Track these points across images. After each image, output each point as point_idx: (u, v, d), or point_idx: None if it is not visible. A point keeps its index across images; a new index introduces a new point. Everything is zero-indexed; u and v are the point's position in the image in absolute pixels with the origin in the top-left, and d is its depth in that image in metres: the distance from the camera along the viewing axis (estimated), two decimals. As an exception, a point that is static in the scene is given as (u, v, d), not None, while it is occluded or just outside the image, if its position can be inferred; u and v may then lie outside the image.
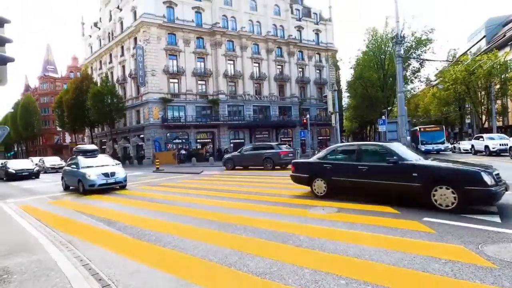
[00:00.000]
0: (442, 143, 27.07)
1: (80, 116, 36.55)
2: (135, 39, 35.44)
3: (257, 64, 40.79)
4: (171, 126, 34.18)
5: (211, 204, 7.75)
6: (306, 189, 8.43)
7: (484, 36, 51.04)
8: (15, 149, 78.71)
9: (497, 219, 4.93)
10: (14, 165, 20.99)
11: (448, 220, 4.93)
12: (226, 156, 20.65)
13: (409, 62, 33.22)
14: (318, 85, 46.39)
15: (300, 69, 45.23)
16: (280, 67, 42.96)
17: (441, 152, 26.34)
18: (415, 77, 36.13)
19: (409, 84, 36.16)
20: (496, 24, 58.52)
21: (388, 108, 33.22)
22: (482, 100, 35.70)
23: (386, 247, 3.87)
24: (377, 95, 35.43)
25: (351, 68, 40.35)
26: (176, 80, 35.42)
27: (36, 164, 24.83)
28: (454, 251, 3.64)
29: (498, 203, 5.65)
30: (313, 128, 40.36)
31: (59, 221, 6.92)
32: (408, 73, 34.45)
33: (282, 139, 42.44)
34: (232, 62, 38.83)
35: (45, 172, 25.61)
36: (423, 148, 26.17)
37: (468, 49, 40.02)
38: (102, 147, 43.58)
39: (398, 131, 19.26)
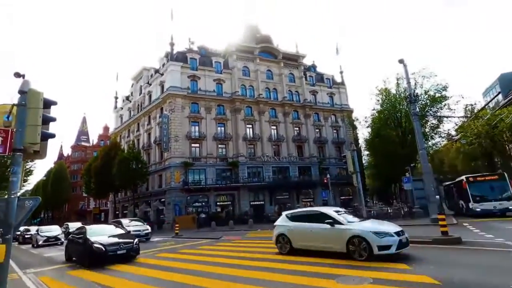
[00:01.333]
0: (509, 198, 17.99)
1: (105, 181, 38.03)
2: (161, 109, 38.48)
3: (274, 127, 42.30)
4: (192, 190, 34.50)
5: (230, 274, 7.32)
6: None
7: (500, 92, 51.42)
8: (42, 215, 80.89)
9: None
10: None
11: None
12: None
13: (426, 119, 33.29)
14: (336, 145, 46.68)
15: (317, 130, 46.26)
16: (297, 128, 44.22)
17: (508, 214, 17.69)
18: (435, 133, 35.72)
19: (429, 140, 35.62)
20: (509, 79, 59.32)
21: (412, 165, 32.26)
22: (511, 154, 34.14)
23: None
24: (398, 152, 34.84)
25: (367, 127, 40.81)
26: (197, 145, 36.99)
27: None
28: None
29: None
30: (334, 187, 39.32)
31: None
32: (427, 129, 34.24)
33: (303, 199, 41.35)
34: (250, 126, 40.58)
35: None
36: (478, 208, 18.26)
37: (486, 104, 39.96)
38: (124, 211, 43.99)
39: (426, 188, 18.36)
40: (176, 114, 36.20)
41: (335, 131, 47.90)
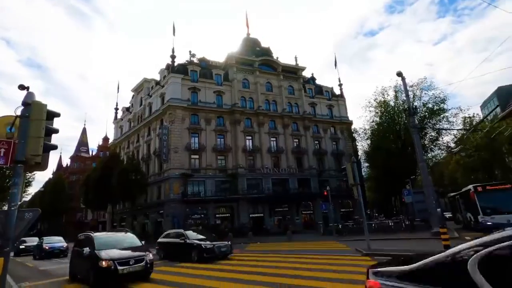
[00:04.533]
0: None
1: (104, 193, 37.73)
2: (161, 120, 38.62)
3: (274, 139, 42.39)
4: (191, 201, 34.22)
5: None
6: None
7: (498, 105, 51.85)
8: (38, 226, 79.76)
9: None
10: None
11: None
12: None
13: (425, 131, 33.44)
14: (336, 157, 46.68)
15: (317, 142, 46.34)
16: (297, 140, 44.30)
17: None
18: (434, 145, 35.83)
19: (429, 153, 35.68)
20: (506, 92, 59.97)
21: (412, 177, 32.17)
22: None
23: None
24: (397, 165, 34.81)
25: (367, 139, 40.91)
26: (197, 156, 36.93)
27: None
28: None
29: None
30: (334, 200, 39.02)
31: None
32: (426, 142, 34.34)
33: (303, 212, 41.00)
34: (250, 137, 40.67)
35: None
36: (489, 221, 16.19)
37: (485, 117, 40.29)
38: (122, 223, 43.47)
39: (426, 201, 18.25)
40: (176, 125, 36.31)
41: (334, 143, 47.98)
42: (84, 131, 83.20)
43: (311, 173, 42.78)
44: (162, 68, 42.25)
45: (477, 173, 41.51)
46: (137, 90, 48.00)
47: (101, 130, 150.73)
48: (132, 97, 49.72)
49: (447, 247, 9.73)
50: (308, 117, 45.39)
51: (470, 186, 19.22)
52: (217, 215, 35.94)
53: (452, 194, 28.50)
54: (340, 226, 25.15)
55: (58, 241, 21.28)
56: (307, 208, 41.48)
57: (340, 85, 52.25)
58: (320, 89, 50.49)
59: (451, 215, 28.53)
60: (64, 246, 20.74)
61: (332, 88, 52.09)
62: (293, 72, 47.44)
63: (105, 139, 76.27)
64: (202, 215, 34.96)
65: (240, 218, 35.56)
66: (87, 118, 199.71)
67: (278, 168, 40.87)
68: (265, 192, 37.98)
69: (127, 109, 50.60)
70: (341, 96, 51.65)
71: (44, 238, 22.44)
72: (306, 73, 51.27)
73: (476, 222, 17.77)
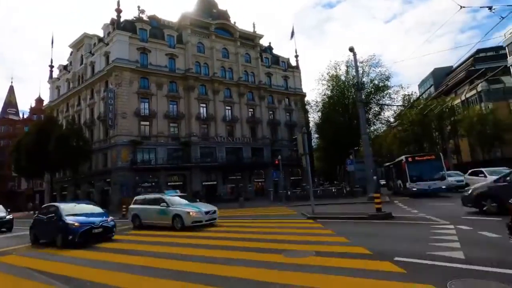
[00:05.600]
0: (442, 178, 18.73)
1: (40, 160, 34.32)
2: (106, 82, 35.40)
3: (229, 107, 41.95)
4: (140, 169, 33.03)
5: (187, 253, 7.34)
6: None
7: (432, 85, 57.12)
8: (-40, 197, 70.62)
9: (461, 255, 5.16)
10: None
11: (417, 259, 5.07)
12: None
13: (370, 106, 35.93)
14: (289, 127, 48.19)
15: (271, 112, 47.08)
16: (251, 110, 44.46)
17: (441, 194, 18.58)
18: (377, 120, 38.89)
19: (372, 126, 38.72)
20: (441, 73, 66.43)
21: (355, 149, 34.90)
22: (437, 140, 38.86)
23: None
24: (344, 136, 37.34)
25: (318, 111, 42.74)
26: (147, 123, 35.13)
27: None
28: (426, 291, 3.71)
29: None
30: (285, 168, 40.92)
31: (5, 282, 6.13)
32: (370, 116, 37.05)
33: (255, 180, 42.45)
34: (204, 105, 39.66)
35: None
36: (414, 188, 18.69)
37: (421, 95, 44.50)
38: (62, 192, 40.63)
39: (365, 170, 20.13)
40: (123, 88, 33.66)
41: (288, 114, 49.24)
42: (11, 90, 72.71)
43: (265, 142, 43.84)
44: (106, 23, 37.84)
45: (409, 146, 46.57)
46: (77, 46, 42.74)
47: (34, 90, 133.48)
48: (71, 54, 44.25)
49: (379, 210, 11.05)
50: (263, 87, 45.44)
51: (403, 157, 21.63)
52: (169, 184, 35.39)
53: (387, 164, 31.68)
54: (289, 193, 26.69)
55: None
56: (259, 176, 42.98)
57: (296, 56, 52.69)
58: (276, 59, 50.37)
59: (385, 183, 31.95)
60: (9, 216, 17.09)
61: (288, 59, 52.30)
62: (250, 39, 46.26)
63: (39, 100, 67.84)
64: (153, 184, 34.14)
65: (193, 186, 35.56)
66: (14, 76, 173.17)
67: (232, 137, 41.01)
68: (218, 161, 38.18)
69: (65, 67, 45.12)
70: (297, 67, 52.29)
71: None
72: (264, 42, 50.50)
73: (405, 188, 20.26)
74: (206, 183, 37.22)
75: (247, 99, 43.96)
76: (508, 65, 43.72)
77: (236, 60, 43.68)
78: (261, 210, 18.59)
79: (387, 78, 34.73)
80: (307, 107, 45.17)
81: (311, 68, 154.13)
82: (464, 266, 4.55)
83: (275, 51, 52.29)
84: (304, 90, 51.94)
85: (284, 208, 19.07)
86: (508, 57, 44.41)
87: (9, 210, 19.14)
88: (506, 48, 44.73)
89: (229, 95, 42.29)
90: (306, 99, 50.40)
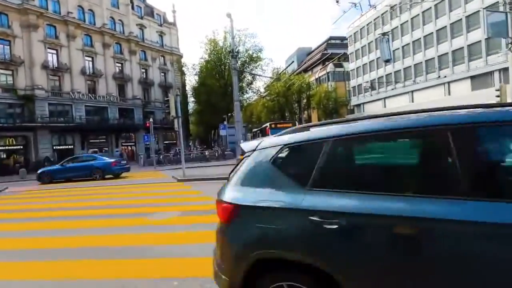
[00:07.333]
0: None
1: None
2: None
3: (90, 58, 35.33)
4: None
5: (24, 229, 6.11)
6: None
7: (293, 61, 65.07)
8: None
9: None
10: None
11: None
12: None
13: (244, 75, 38.05)
14: (164, 88, 45.36)
15: (144, 70, 42.79)
16: (119, 65, 39.03)
17: None
18: (249, 88, 41.85)
19: (245, 94, 41.44)
20: (303, 52, 76.49)
21: (229, 115, 36.79)
22: (296, 111, 45.67)
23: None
24: (219, 102, 38.55)
25: (195, 74, 41.97)
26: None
27: None
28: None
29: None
30: (158, 132, 39.07)
31: None
32: (244, 85, 39.41)
33: (124, 144, 38.75)
34: (55, 51, 31.88)
35: None
36: None
37: (285, 69, 50.31)
38: None
39: (236, 135, 21.67)
40: None
41: (163, 74, 46.03)
42: None
43: (135, 103, 39.94)
44: None
45: (275, 114, 52.85)
46: None
47: None
48: None
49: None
50: (135, 40, 40.27)
51: (267, 124, 24.73)
52: (1, 148, 27.75)
53: (255, 129, 35.15)
54: (161, 157, 25.87)
55: None
56: (129, 140, 39.46)
57: (174, 12, 48.75)
58: (151, 11, 45.09)
59: (253, 146, 35.63)
60: None
61: (165, 13, 47.76)
62: (118, -22, 39.16)
63: None
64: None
65: (39, 151, 29.15)
66: None
67: (94, 94, 35.23)
68: (76, 121, 32.40)
69: None
70: (174, 24, 48.60)
71: None
72: (135, -14, 43.79)
73: None
74: (59, 147, 31.20)
75: (114, 52, 38.11)
76: (348, 53, 54.63)
77: (100, 1, 36.44)
78: (130, 175, 17.39)
79: (260, 50, 37.27)
80: (184, 69, 43.55)
81: (192, 28, 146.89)
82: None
83: (149, 1, 46.58)
84: (182, 51, 49.44)
85: (155, 172, 18.51)
86: (349, 47, 55.35)
87: None
88: (348, 39, 55.52)
89: (90, 43, 35.40)
90: (183, 60, 48.30)
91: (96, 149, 34.40)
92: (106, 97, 36.15)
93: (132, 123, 38.16)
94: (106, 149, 35.34)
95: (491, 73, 30.93)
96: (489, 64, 30.81)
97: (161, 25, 46.10)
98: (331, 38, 69.88)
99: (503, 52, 25.54)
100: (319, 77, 60.99)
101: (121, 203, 8.32)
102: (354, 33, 51.62)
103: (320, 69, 61.39)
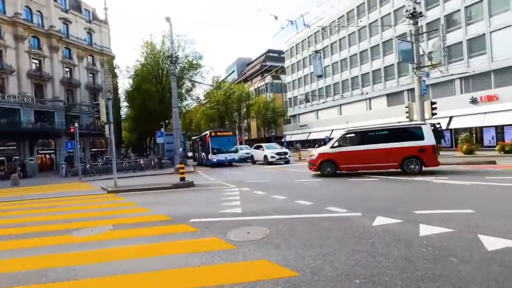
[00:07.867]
0: (236, 151, 22.93)
1: None
2: None
3: (-2, 52, 30.36)
4: None
5: None
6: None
7: (233, 71, 66.25)
8: None
9: (239, 210, 6.50)
10: None
11: (209, 218, 5.91)
12: None
13: (183, 81, 37.06)
14: (92, 91, 41.34)
15: (68, 69, 38.42)
16: (37, 61, 34.36)
17: (234, 164, 23.05)
18: (189, 95, 40.86)
19: (184, 101, 40.30)
20: (243, 62, 78.10)
21: (166, 121, 35.22)
22: (236, 119, 46.16)
23: (156, 255, 4.05)
24: (156, 108, 36.69)
25: (129, 77, 39.31)
26: None
27: None
28: (210, 242, 4.41)
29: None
30: (85, 138, 35.42)
31: None
32: (183, 91, 38.32)
33: (41, 151, 33.96)
34: None
35: None
36: (215, 159, 21.86)
37: (225, 77, 50.75)
38: None
39: (174, 142, 20.84)
40: None
41: (91, 75, 41.99)
42: None
43: (57, 105, 35.46)
44: None
45: (215, 122, 52.53)
46: None
47: None
48: None
49: (182, 179, 11.85)
50: (56, 36, 35.99)
51: (207, 132, 24.28)
52: None
53: (194, 137, 34.31)
54: (88, 166, 23.32)
55: None
56: (48, 147, 34.70)
57: (106, 9, 45.18)
58: (78, 5, 41.02)
59: (192, 155, 34.57)
60: None
61: (94, 9, 43.95)
62: (38, -35, 34.73)
63: None
64: None
65: None
66: None
67: (3, 94, 30.23)
68: (-24, 124, 27.24)
69: None
70: (105, 22, 45.00)
71: None
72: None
73: (207, 159, 23.08)
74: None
75: (30, 46, 33.46)
76: (285, 67, 57.75)
77: (13, -13, 31.78)
78: (49, 188, 15.22)
79: (200, 57, 36.87)
80: (117, 71, 40.52)
81: (127, 30, 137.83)
82: (241, 218, 5.76)
83: (76, -6, 42.31)
84: (114, 52, 45.86)
85: (80, 184, 16.57)
86: (286, 60, 58.55)
87: None
88: (285, 53, 58.80)
89: (-1, 34, 30.49)
90: (115, 62, 44.92)
91: (3, 158, 29.53)
92: (19, 97, 31.35)
93: (52, 128, 33.71)
94: (17, 157, 30.45)
95: (402, 92, 36.11)
96: (400, 84, 35.97)
97: (90, 22, 42.24)
98: (269, 51, 73.11)
99: (410, 75, 30.15)
100: (258, 88, 63.01)
101: (36, 219, 7.20)
102: (291, 48, 54.99)
103: (259, 80, 63.54)
